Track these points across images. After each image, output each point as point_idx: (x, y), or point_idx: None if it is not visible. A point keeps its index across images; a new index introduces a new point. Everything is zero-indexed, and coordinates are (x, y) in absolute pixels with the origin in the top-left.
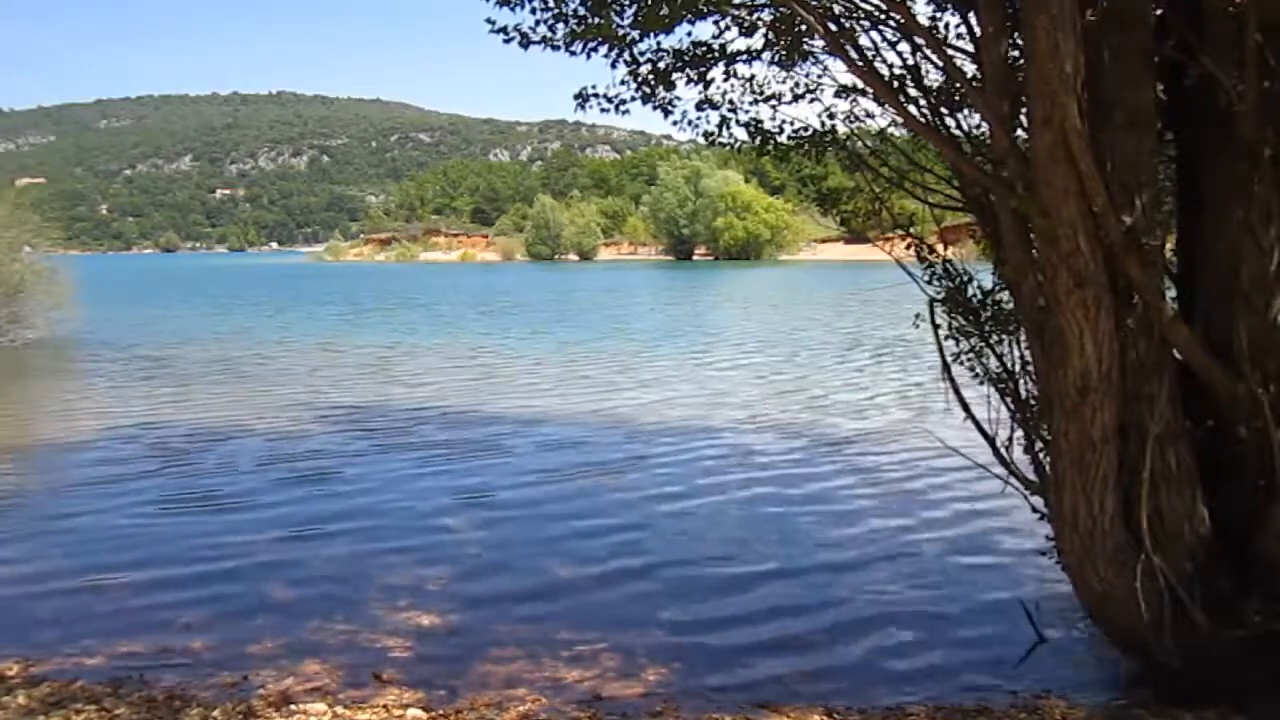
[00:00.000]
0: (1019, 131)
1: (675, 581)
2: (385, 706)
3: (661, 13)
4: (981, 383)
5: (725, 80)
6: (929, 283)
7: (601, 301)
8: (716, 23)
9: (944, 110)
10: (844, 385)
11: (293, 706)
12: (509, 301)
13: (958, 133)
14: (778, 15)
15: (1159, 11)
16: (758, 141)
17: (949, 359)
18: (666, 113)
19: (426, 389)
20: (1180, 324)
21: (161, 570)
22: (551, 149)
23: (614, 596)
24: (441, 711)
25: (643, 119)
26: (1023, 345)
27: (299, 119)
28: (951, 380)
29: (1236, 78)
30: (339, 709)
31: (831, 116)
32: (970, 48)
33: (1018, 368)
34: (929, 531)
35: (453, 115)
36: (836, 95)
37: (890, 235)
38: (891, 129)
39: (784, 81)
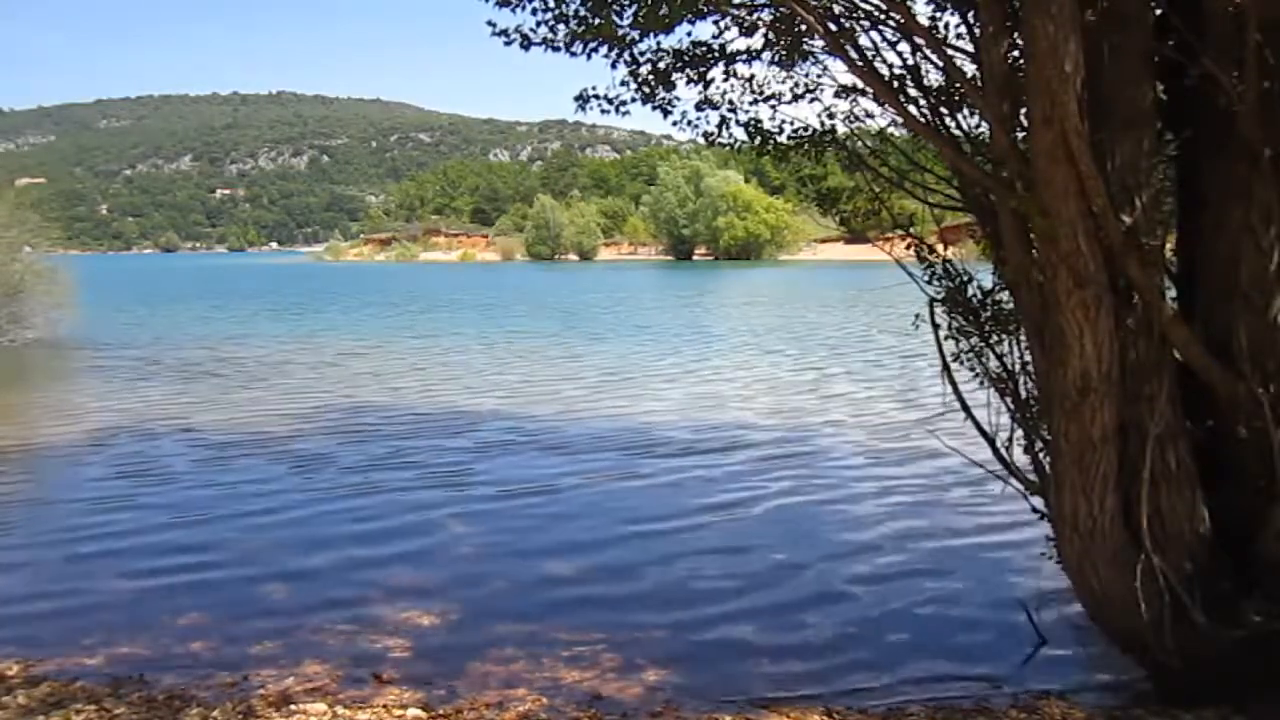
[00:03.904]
0: (1019, 131)
1: (674, 582)
2: (385, 706)
3: (661, 13)
4: (981, 383)
5: (725, 80)
6: (929, 283)
7: (642, 303)
8: (716, 23)
9: (944, 110)
10: (842, 384)
11: (293, 706)
12: (555, 304)
13: (958, 133)
14: (778, 15)
15: (1159, 11)
16: (757, 141)
17: (949, 359)
18: (666, 113)
19: (432, 389)
20: (1180, 324)
21: (162, 570)
22: (551, 149)
23: (614, 597)
24: (441, 711)
25: (643, 119)
26: (1023, 345)
27: (299, 119)
28: (952, 380)
29: (1236, 78)
30: (339, 709)
31: (831, 116)
32: (970, 48)
33: (1018, 368)
34: (928, 531)
35: (453, 115)
36: (836, 95)
37: (890, 235)
38: (891, 129)
39: (784, 81)
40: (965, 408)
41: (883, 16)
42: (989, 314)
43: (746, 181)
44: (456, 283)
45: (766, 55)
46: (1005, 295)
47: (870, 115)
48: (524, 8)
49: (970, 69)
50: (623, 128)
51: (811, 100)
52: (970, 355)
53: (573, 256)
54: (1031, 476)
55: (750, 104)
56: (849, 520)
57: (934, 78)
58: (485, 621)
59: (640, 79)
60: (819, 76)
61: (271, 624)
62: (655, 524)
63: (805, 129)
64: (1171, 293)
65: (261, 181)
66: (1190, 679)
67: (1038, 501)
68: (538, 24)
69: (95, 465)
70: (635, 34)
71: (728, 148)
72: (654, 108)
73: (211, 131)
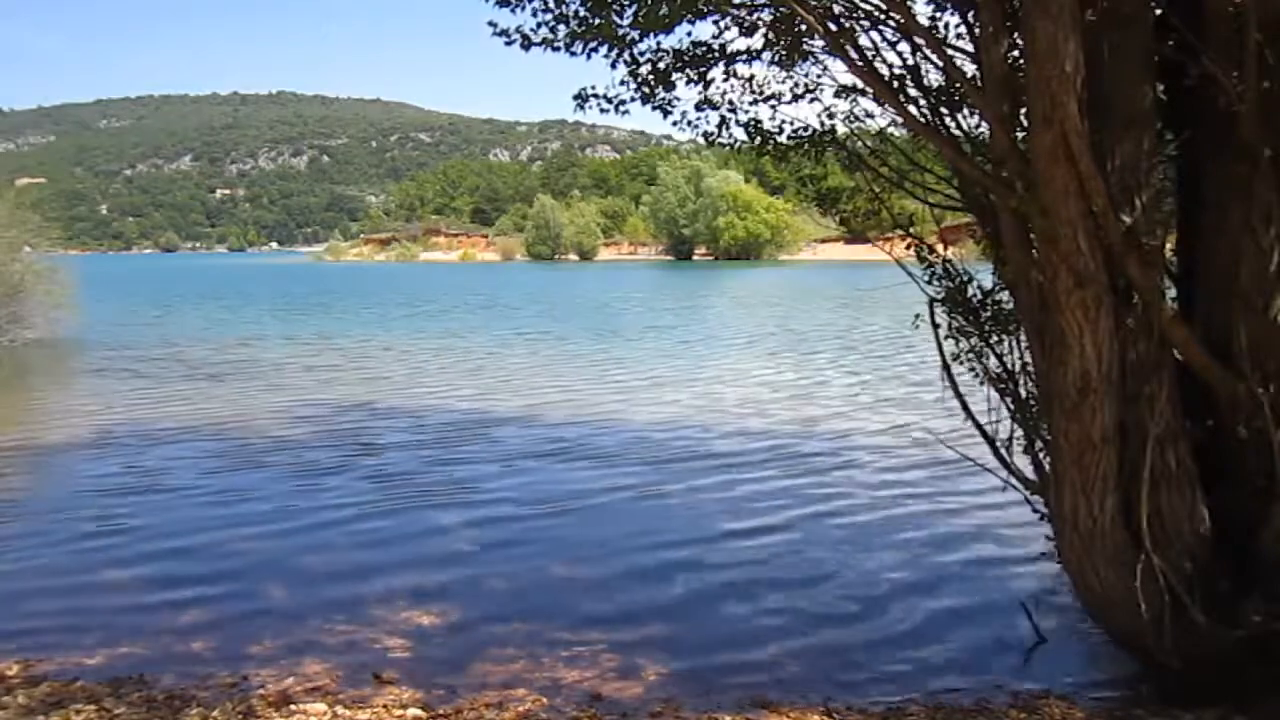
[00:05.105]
0: (1019, 131)
1: (674, 582)
2: (385, 706)
3: (661, 13)
4: (981, 383)
5: (725, 80)
6: (929, 283)
7: (651, 304)
8: (716, 23)
9: (944, 110)
10: (841, 383)
11: (293, 706)
12: (562, 305)
13: (958, 133)
14: (778, 15)
15: (1159, 11)
16: (757, 141)
17: (949, 359)
18: (666, 113)
19: (439, 392)
20: (1180, 324)
21: (162, 570)
22: (551, 149)
23: (614, 596)
24: (441, 711)
25: (643, 119)
26: (1023, 345)
27: (299, 119)
28: (952, 380)
29: (1236, 78)
30: (339, 709)
31: (831, 116)
32: (970, 48)
33: (1018, 368)
34: (929, 532)
35: (453, 115)
36: (836, 95)
37: (890, 235)
38: (891, 129)
39: (784, 81)
40: (965, 408)
41: (883, 16)
42: (989, 314)
43: (746, 181)
44: (459, 283)
45: (766, 55)
46: (1005, 295)
47: (870, 115)
48: (524, 8)
49: (970, 69)
50: (623, 128)
51: (811, 100)
52: (970, 355)
53: (573, 256)
54: (1031, 476)
55: (750, 104)
56: (845, 520)
57: (934, 78)
58: (485, 621)
59: (640, 79)
60: (819, 76)
61: (271, 624)
62: (654, 525)
63: (805, 129)
64: (1171, 293)
65: (261, 181)
66: (1190, 679)
67: (1038, 501)
68: (538, 24)
69: (96, 466)
70: (635, 34)
71: (728, 148)
72: (654, 108)
73: (211, 131)
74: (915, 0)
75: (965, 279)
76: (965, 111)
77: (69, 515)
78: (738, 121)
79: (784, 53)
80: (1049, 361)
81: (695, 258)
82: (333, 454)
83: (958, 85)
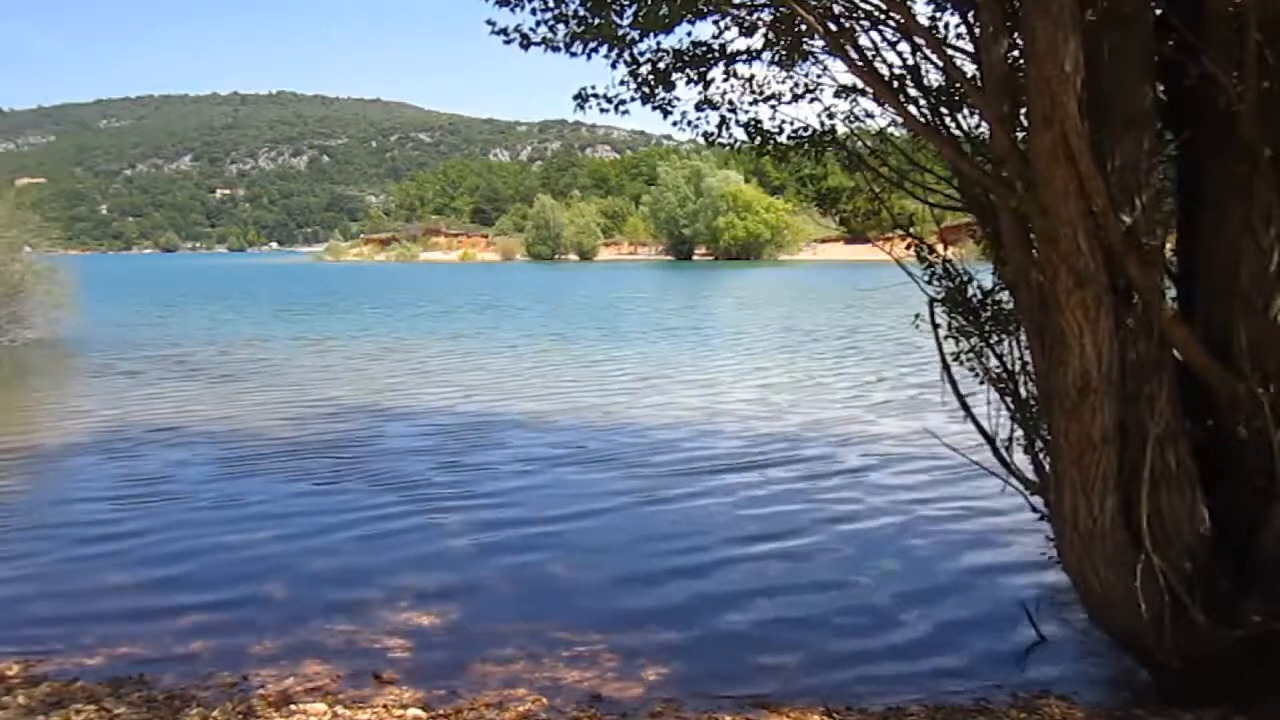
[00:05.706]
0: (1019, 131)
1: (674, 582)
2: (385, 706)
3: (661, 13)
4: (981, 383)
5: (725, 80)
6: (929, 283)
7: (657, 304)
8: (716, 23)
9: (944, 110)
10: (843, 384)
11: (293, 706)
12: (567, 305)
13: (958, 133)
14: (778, 15)
15: (1159, 11)
16: (757, 141)
17: (949, 359)
18: (666, 113)
19: (444, 393)
20: (1180, 324)
21: (162, 570)
22: (551, 149)
23: (614, 596)
24: (441, 711)
25: (643, 119)
26: (1023, 345)
27: (299, 119)
28: (952, 380)
29: (1236, 78)
30: (339, 709)
31: (831, 116)
32: (970, 48)
33: (1018, 368)
34: (929, 531)
35: (453, 115)
36: (836, 95)
37: (890, 235)
38: (891, 129)
39: (784, 81)
40: (965, 408)
41: (883, 16)
42: (989, 314)
43: (746, 181)
44: (461, 283)
45: (766, 55)
46: (1005, 295)
47: (870, 115)
48: (523, 7)
49: (970, 69)
50: (623, 128)
51: (811, 100)
52: (970, 355)
53: (573, 256)
54: (1031, 476)
55: (750, 104)
56: (846, 521)
57: (934, 78)
58: (485, 621)
59: (640, 79)
60: (819, 76)
61: (271, 624)
62: (657, 528)
63: (805, 129)
64: (1171, 293)
65: (261, 181)
66: (1190, 679)
67: (1038, 501)
68: (537, 24)
69: (96, 466)
70: (635, 34)
71: (728, 148)
72: (654, 108)
73: (211, 131)
74: (915, 0)
75: (965, 279)
76: (965, 111)
77: (70, 516)
78: (738, 121)
79: (784, 53)
80: (1049, 361)
81: (695, 258)
82: (336, 456)
83: (958, 85)
